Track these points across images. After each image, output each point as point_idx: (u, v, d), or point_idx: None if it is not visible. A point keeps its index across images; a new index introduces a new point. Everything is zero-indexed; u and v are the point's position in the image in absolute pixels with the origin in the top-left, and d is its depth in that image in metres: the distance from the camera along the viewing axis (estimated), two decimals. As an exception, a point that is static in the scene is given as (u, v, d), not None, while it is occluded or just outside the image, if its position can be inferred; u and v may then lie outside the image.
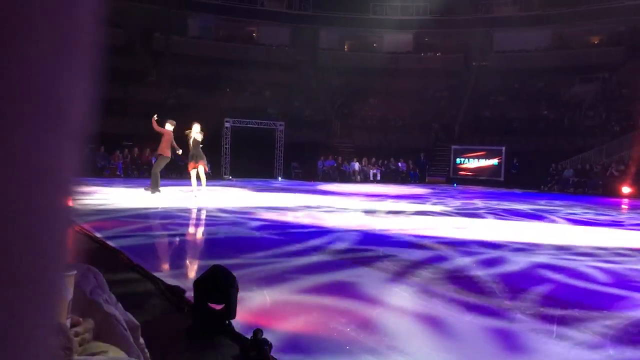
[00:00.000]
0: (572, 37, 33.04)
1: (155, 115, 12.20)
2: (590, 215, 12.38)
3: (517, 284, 4.97)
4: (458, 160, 28.38)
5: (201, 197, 11.96)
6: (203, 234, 8.15)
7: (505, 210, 12.75)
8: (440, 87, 33.44)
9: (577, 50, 32.23)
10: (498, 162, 27.26)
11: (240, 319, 3.33)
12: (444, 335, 3.46)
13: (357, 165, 27.18)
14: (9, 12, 0.33)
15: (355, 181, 26.01)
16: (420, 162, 28.56)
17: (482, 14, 34.26)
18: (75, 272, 1.43)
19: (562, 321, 3.80)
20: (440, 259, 6.09)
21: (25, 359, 0.36)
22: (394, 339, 3.33)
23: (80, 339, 1.43)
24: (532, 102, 30.09)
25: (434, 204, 14.23)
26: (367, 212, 11.18)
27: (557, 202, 16.24)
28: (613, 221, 11.50)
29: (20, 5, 0.34)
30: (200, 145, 12.10)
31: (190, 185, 12.45)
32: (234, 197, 13.72)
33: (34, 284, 0.36)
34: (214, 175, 21.76)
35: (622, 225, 10.77)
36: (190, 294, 3.62)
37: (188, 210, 10.33)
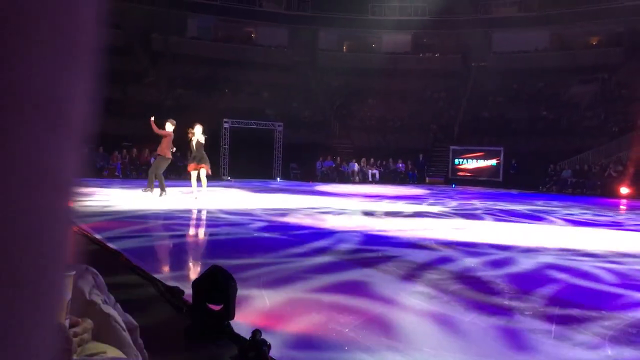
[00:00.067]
0: (571, 37, 33.10)
1: (153, 117, 12.10)
2: (588, 216, 12.40)
3: (522, 284, 4.97)
4: (457, 161, 28.40)
5: (201, 199, 11.95)
6: (204, 236, 8.14)
7: (503, 211, 12.76)
8: (438, 88, 33.47)
9: (576, 51, 32.29)
10: (496, 163, 27.29)
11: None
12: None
13: (355, 166, 27.18)
14: (9, 12, 0.33)
15: (353, 182, 26.02)
16: (419, 162, 28.58)
17: (480, 14, 34.31)
18: (74, 272, 1.43)
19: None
20: (444, 260, 6.09)
21: (25, 359, 0.36)
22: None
23: (78, 340, 1.43)
24: (530, 102, 30.13)
25: (433, 205, 14.24)
26: (368, 213, 11.18)
27: (555, 203, 16.25)
28: (612, 222, 11.51)
29: (20, 5, 0.33)
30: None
31: (190, 186, 12.44)
32: (234, 198, 13.72)
33: (34, 284, 0.36)
34: (213, 176, 21.74)
35: (622, 226, 10.78)
36: (188, 294, 3.62)
37: (189, 212, 10.32)
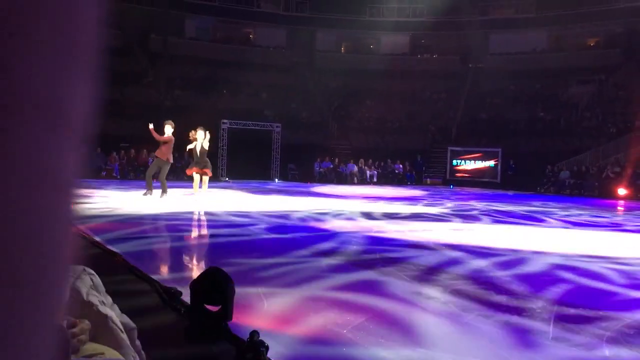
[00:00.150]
0: (568, 39, 33.16)
1: (152, 125, 11.89)
2: (585, 217, 12.42)
3: (521, 285, 4.98)
4: (455, 162, 28.42)
5: (202, 200, 11.90)
6: (207, 238, 8.10)
7: (501, 212, 12.77)
8: (437, 89, 33.50)
9: (574, 52, 32.32)
10: (494, 164, 27.31)
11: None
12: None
13: (354, 167, 27.19)
14: (9, 12, 0.33)
15: (351, 183, 26.01)
16: (417, 163, 28.60)
17: (478, 15, 34.33)
18: (71, 273, 1.43)
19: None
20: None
21: (25, 359, 0.36)
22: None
23: (76, 341, 1.43)
24: (528, 104, 30.17)
25: (435, 206, 14.25)
26: (368, 214, 11.18)
27: (553, 204, 16.27)
28: (611, 223, 11.52)
29: (20, 5, 0.33)
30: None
31: (190, 187, 12.41)
32: (233, 200, 13.70)
33: (34, 284, 0.36)
34: (211, 177, 21.70)
35: (621, 227, 10.79)
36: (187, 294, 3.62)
37: (190, 214, 10.26)
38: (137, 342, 1.75)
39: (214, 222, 9.26)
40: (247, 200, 13.91)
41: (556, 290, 4.83)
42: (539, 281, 5.19)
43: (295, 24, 35.01)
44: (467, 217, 11.32)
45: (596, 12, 30.90)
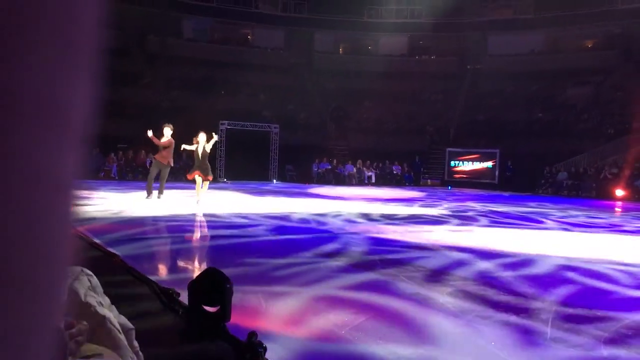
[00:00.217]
0: (566, 40, 33.20)
1: (150, 133, 11.79)
2: (583, 219, 12.44)
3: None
4: (453, 163, 28.44)
5: (201, 202, 11.81)
6: (206, 240, 8.08)
7: (498, 214, 12.79)
8: (435, 90, 33.53)
9: (572, 53, 32.37)
10: (492, 165, 27.34)
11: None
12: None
13: (352, 168, 27.19)
14: (9, 12, 0.33)
15: (350, 184, 26.01)
16: (415, 164, 28.62)
17: (476, 17, 34.37)
18: (69, 274, 1.43)
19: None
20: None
21: None
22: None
23: (74, 342, 1.42)
24: (526, 105, 30.19)
25: (433, 207, 14.25)
26: (368, 216, 11.18)
27: (550, 205, 16.28)
28: (609, 224, 11.54)
29: (20, 6, 0.33)
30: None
31: (191, 188, 12.33)
32: (232, 201, 13.68)
33: (34, 285, 0.36)
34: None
35: (619, 228, 10.81)
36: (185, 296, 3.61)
37: (190, 215, 10.23)
38: (135, 343, 1.75)
39: (214, 224, 9.25)
40: (246, 201, 13.91)
41: (556, 291, 4.83)
42: (539, 282, 5.19)
43: (294, 25, 35.01)
44: (465, 218, 11.33)
45: (594, 13, 30.95)
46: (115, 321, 1.64)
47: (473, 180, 27.28)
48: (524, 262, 6.26)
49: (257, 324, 3.48)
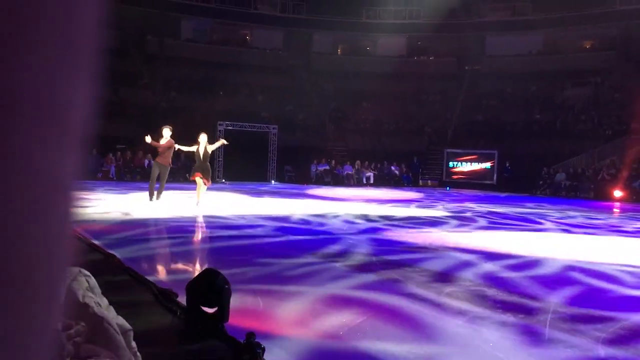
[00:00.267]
0: (564, 41, 33.20)
1: (149, 139, 11.71)
2: (581, 220, 12.45)
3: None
4: (451, 163, 28.44)
5: (200, 203, 11.70)
6: (209, 241, 8.06)
7: (500, 215, 12.80)
8: (433, 91, 33.52)
9: (570, 54, 32.38)
10: (491, 166, 27.34)
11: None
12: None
13: (350, 169, 27.18)
14: (9, 13, 0.33)
15: (348, 185, 26.00)
16: (413, 165, 28.62)
17: (474, 18, 34.37)
18: (68, 274, 1.43)
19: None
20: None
21: None
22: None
23: (72, 343, 1.42)
24: (525, 106, 30.20)
25: (431, 208, 14.26)
26: (366, 217, 11.18)
27: (549, 206, 16.29)
28: (608, 225, 11.56)
29: (20, 7, 0.34)
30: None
31: (190, 189, 12.25)
32: (231, 202, 13.65)
33: (33, 286, 0.35)
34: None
35: (617, 229, 10.83)
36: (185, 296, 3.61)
37: (189, 217, 10.18)
38: (133, 344, 1.74)
39: (213, 225, 9.24)
40: (245, 202, 13.90)
41: (554, 291, 4.83)
42: (538, 282, 5.20)
43: (292, 25, 34.99)
44: (464, 219, 11.33)
45: (592, 14, 30.97)
46: (113, 322, 1.64)
47: (471, 181, 27.29)
48: (524, 262, 6.26)
49: (255, 325, 3.48)
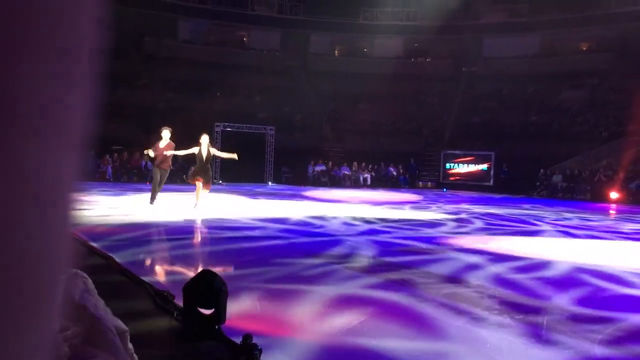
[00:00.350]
0: (561, 43, 33.26)
1: (151, 152, 11.56)
2: (577, 221, 12.47)
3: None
4: (448, 165, 28.48)
5: (199, 205, 11.59)
6: (208, 243, 8.04)
7: (497, 217, 12.82)
8: (430, 93, 33.54)
9: (567, 56, 32.42)
10: (487, 168, 27.38)
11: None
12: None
13: (347, 170, 27.18)
14: (9, 12, 0.33)
15: (345, 186, 26.00)
16: (410, 166, 28.63)
17: (471, 20, 34.42)
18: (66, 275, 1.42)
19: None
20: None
21: None
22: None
23: (68, 344, 1.42)
24: (521, 107, 30.25)
25: (429, 210, 14.28)
26: (364, 219, 11.18)
27: (545, 208, 16.31)
28: (608, 227, 11.58)
29: (19, 8, 0.34)
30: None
31: (192, 191, 12.16)
32: (229, 204, 13.61)
33: (33, 288, 0.35)
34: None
35: (614, 230, 10.85)
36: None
37: (188, 219, 10.14)
38: (130, 345, 1.74)
39: (211, 227, 9.23)
40: (242, 204, 13.88)
41: (552, 291, 4.84)
42: (537, 282, 5.20)
43: (289, 27, 34.98)
44: (461, 220, 11.35)
45: (589, 16, 31.03)
46: (110, 323, 1.63)
47: (468, 182, 27.32)
48: (526, 264, 6.27)
49: (254, 327, 3.48)
